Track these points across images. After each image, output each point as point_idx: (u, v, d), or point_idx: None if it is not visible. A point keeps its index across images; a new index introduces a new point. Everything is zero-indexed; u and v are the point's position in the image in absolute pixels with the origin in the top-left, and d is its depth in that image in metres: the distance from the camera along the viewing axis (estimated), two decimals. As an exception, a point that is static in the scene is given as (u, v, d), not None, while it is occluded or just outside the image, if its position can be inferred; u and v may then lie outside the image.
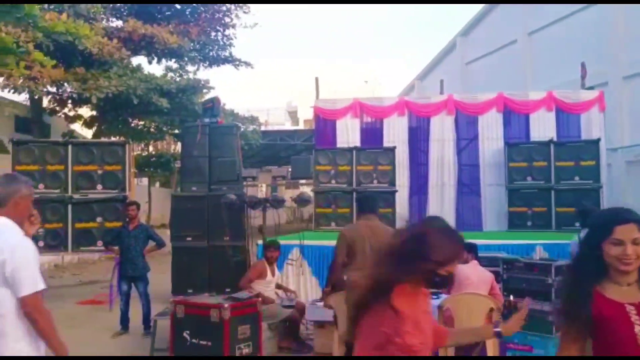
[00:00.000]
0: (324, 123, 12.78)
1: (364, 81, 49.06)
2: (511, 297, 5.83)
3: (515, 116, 12.33)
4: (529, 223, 11.16)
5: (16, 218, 2.91)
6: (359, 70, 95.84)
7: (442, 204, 12.19)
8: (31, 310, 2.74)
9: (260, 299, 6.30)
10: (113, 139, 17.46)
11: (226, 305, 5.75)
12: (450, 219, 12.07)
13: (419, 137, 12.61)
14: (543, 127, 11.99)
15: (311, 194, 11.07)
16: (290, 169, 12.03)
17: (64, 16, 10.73)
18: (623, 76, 17.08)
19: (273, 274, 7.19)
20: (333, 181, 11.49)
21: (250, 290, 6.49)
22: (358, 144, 12.10)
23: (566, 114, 12.08)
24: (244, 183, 8.82)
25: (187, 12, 18.23)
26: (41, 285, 2.81)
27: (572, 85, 13.09)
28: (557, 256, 7.66)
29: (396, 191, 11.37)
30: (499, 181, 11.80)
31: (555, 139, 11.59)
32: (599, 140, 11.28)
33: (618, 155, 16.60)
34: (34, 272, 2.79)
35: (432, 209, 12.20)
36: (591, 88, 13.28)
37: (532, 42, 21.16)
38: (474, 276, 5.55)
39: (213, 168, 9.37)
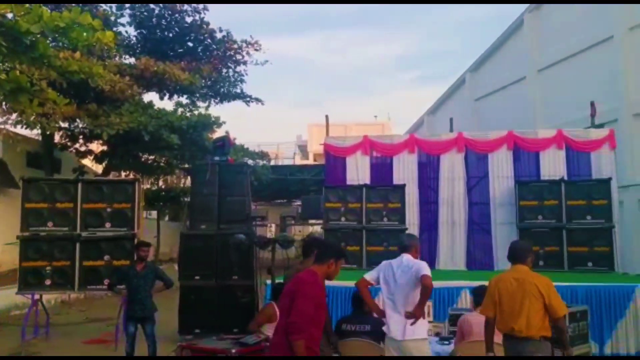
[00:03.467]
0: (334, 160, 12.80)
1: (373, 116, 49.26)
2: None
3: (525, 154, 12.29)
4: (541, 263, 10.98)
5: None
6: (369, 104, 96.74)
7: (452, 242, 12.07)
8: None
9: (268, 343, 6.19)
10: (123, 174, 17.56)
11: (234, 350, 5.66)
12: (461, 258, 12.01)
13: (428, 175, 12.59)
14: (553, 165, 11.94)
15: (320, 231, 10.99)
16: (300, 207, 12.01)
17: (77, 54, 10.86)
18: (633, 114, 17.04)
19: (283, 317, 7.07)
20: (343, 218, 11.46)
21: (258, 335, 6.36)
22: (368, 181, 12.10)
23: (576, 152, 12.03)
24: (254, 222, 8.76)
25: (199, 50, 18.54)
26: None
27: (582, 123, 13.06)
28: (570, 299, 7.51)
29: (406, 229, 11.28)
30: (510, 220, 11.68)
31: (565, 177, 11.51)
32: (610, 179, 11.19)
33: (630, 193, 16.42)
34: None
35: (443, 247, 12.08)
36: (601, 126, 13.25)
37: (541, 79, 21.22)
38: (476, 326, 5.44)
39: (222, 207, 9.34)
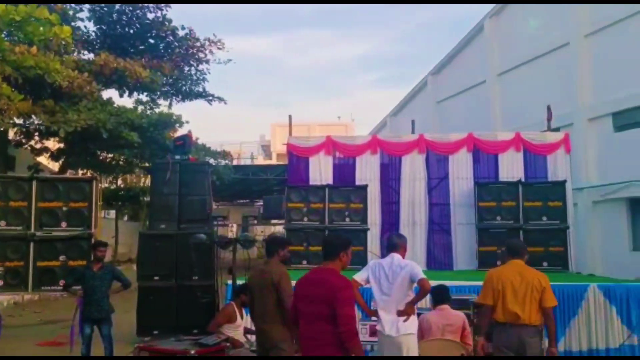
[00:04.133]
0: (297, 160, 12.78)
1: (337, 117, 49.49)
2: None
3: (484, 156, 12.52)
4: (499, 263, 11.16)
5: None
6: (333, 105, 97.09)
7: (413, 242, 12.16)
8: None
9: (228, 344, 6.14)
10: (81, 172, 17.13)
11: (193, 351, 5.60)
12: (422, 257, 12.14)
13: (390, 176, 12.69)
14: (511, 167, 12.20)
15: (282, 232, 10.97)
16: (261, 207, 11.96)
17: (33, 49, 10.56)
18: (587, 118, 17.61)
19: (242, 317, 7.03)
20: (305, 219, 11.46)
21: (219, 335, 6.31)
22: (330, 181, 12.13)
23: (533, 155, 12.32)
24: (215, 222, 8.67)
25: (161, 47, 18.26)
26: None
27: (539, 127, 13.40)
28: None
29: (368, 229, 11.37)
30: (469, 220, 11.88)
31: (523, 179, 11.78)
32: (565, 181, 11.51)
33: (584, 195, 16.97)
34: None
35: (404, 247, 12.17)
36: (557, 129, 13.62)
37: (500, 83, 21.72)
38: (435, 325, 5.53)
39: (183, 206, 9.21)
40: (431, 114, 25.76)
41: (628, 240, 16.32)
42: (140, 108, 16.42)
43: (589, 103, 17.60)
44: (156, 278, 8.91)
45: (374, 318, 5.60)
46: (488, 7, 22.19)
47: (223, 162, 18.92)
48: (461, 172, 12.35)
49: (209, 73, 19.33)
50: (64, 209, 9.20)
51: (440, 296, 6.18)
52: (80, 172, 18.42)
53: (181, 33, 18.07)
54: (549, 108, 12.85)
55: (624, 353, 7.86)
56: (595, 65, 17.44)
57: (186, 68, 18.77)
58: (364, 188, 11.69)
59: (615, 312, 8.05)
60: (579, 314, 8.03)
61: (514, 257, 5.39)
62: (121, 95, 17.16)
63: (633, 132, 16.17)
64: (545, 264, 10.80)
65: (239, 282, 7.57)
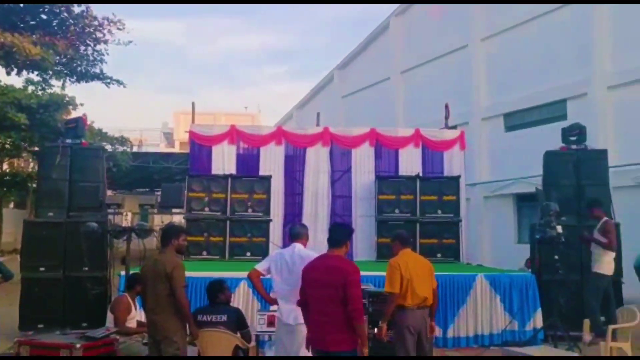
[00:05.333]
0: (199, 149, 12.46)
1: (243, 107, 48.96)
2: (375, 330, 5.97)
3: (386, 151, 12.86)
4: (396, 253, 11.57)
5: None
6: (238, 95, 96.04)
7: (315, 233, 12.23)
8: None
9: (118, 337, 5.88)
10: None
11: (78, 345, 5.30)
12: (323, 249, 12.23)
13: (295, 167, 12.70)
14: (411, 162, 12.61)
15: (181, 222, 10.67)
16: (160, 196, 11.56)
17: None
18: (482, 118, 18.65)
19: (136, 309, 6.77)
20: (206, 208, 11.22)
21: (107, 328, 6.02)
22: (234, 171, 11.93)
23: (431, 151, 12.82)
24: (108, 210, 8.25)
25: (55, 24, 17.07)
26: None
27: (438, 124, 13.99)
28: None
29: (270, 220, 11.33)
30: (369, 213, 12.16)
31: (421, 174, 12.24)
32: (459, 177, 12.08)
33: (476, 190, 17.98)
34: None
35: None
36: (454, 127, 14.28)
37: (403, 80, 22.45)
38: None
39: (74, 193, 8.72)
40: (337, 108, 26.17)
41: (514, 233, 17.52)
42: (30, 88, 15.28)
43: (484, 103, 18.66)
44: (42, 269, 8.44)
45: (272, 308, 5.60)
46: (394, 6, 22.83)
47: (121, 149, 18.08)
48: (363, 165, 12.59)
49: (108, 54, 18.30)
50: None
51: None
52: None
53: (77, 10, 17.01)
54: (447, 106, 13.42)
55: (506, 338, 8.38)
56: (490, 68, 18.50)
57: (82, 47, 17.68)
58: (267, 179, 11.62)
59: (499, 299, 8.57)
60: (468, 302, 8.46)
61: (406, 245, 5.79)
62: (8, 74, 15.91)
63: (522, 132, 17.34)
64: (439, 255, 11.29)
65: (133, 272, 7.26)
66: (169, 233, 5.29)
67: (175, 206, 11.05)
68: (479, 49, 18.88)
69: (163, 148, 39.66)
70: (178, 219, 17.56)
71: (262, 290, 5.53)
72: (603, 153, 9.73)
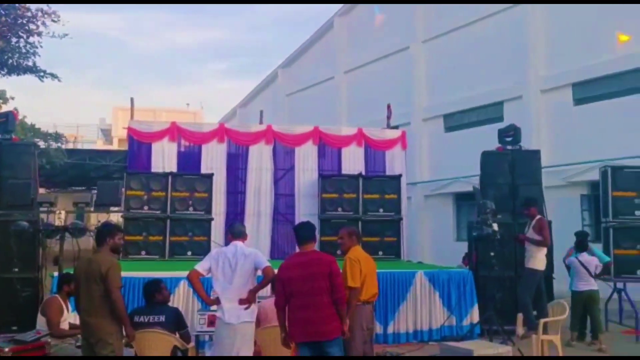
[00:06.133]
0: (139, 145, 12.12)
1: (185, 104, 48.11)
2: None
3: (329, 149, 12.94)
4: (339, 252, 11.65)
5: None
6: (180, 92, 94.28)
7: (258, 232, 12.22)
8: None
9: (49, 339, 5.64)
10: None
11: (7, 349, 5.06)
12: (266, 247, 12.22)
13: (237, 165, 12.58)
14: (354, 161, 12.75)
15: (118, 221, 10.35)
16: (95, 194, 11.18)
17: None
18: (422, 118, 19.06)
19: (68, 310, 6.51)
20: (145, 207, 10.93)
21: (38, 331, 5.76)
22: (174, 169, 11.68)
23: (373, 150, 13.01)
24: (40, 208, 7.90)
25: (-17, 14, 16.23)
26: None
27: (381, 124, 14.20)
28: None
29: (212, 219, 11.17)
30: (312, 211, 12.18)
31: (363, 173, 12.38)
32: (400, 176, 12.30)
33: (417, 189, 18.37)
34: None
35: (248, 237, 12.14)
36: (396, 127, 14.53)
37: (347, 80, 22.65)
38: (271, 312, 5.62)
39: (3, 190, 8.27)
40: (281, 106, 26.13)
41: (453, 231, 18.02)
42: (-45, 79, 14.49)
43: (424, 104, 19.09)
44: (-33, 271, 7.93)
45: (213, 307, 5.51)
46: (338, 5, 22.99)
47: (55, 145, 17.38)
48: (307, 164, 12.62)
49: (41, 47, 17.52)
50: None
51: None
52: None
53: (9, 0, 16.22)
54: (389, 107, 13.65)
55: (444, 333, 8.60)
56: (430, 70, 18.94)
57: (14, 39, 16.88)
58: (209, 177, 11.44)
59: (438, 295, 8.77)
60: (408, 298, 8.61)
61: (360, 242, 6.02)
62: None
63: (460, 132, 17.84)
64: (380, 252, 11.44)
65: (66, 271, 6.99)
66: (104, 232, 5.13)
67: (112, 204, 10.72)
68: (420, 51, 19.29)
69: (100, 145, 38.50)
70: (116, 217, 17.03)
71: (202, 292, 5.43)
72: (536, 153, 10.14)
